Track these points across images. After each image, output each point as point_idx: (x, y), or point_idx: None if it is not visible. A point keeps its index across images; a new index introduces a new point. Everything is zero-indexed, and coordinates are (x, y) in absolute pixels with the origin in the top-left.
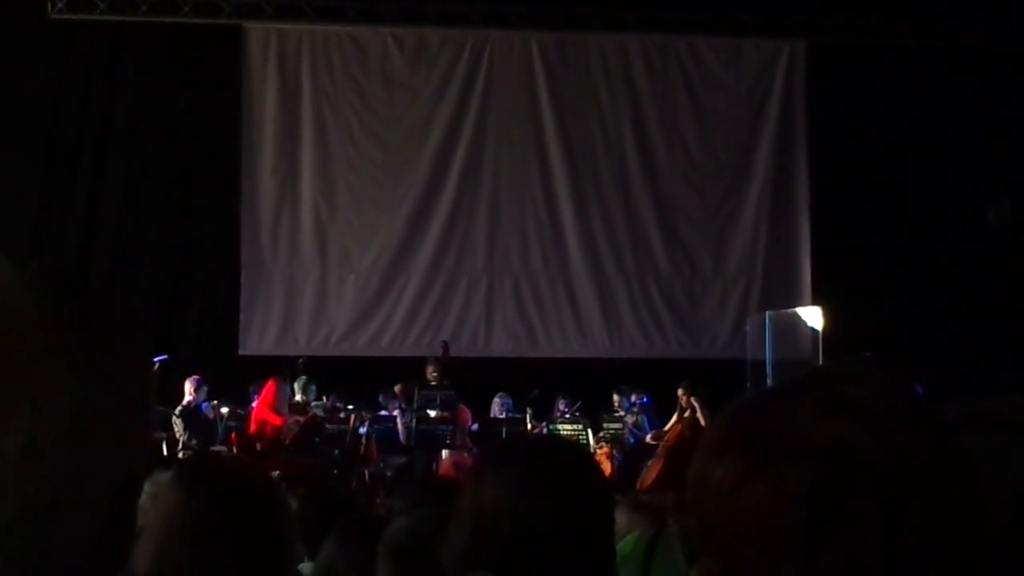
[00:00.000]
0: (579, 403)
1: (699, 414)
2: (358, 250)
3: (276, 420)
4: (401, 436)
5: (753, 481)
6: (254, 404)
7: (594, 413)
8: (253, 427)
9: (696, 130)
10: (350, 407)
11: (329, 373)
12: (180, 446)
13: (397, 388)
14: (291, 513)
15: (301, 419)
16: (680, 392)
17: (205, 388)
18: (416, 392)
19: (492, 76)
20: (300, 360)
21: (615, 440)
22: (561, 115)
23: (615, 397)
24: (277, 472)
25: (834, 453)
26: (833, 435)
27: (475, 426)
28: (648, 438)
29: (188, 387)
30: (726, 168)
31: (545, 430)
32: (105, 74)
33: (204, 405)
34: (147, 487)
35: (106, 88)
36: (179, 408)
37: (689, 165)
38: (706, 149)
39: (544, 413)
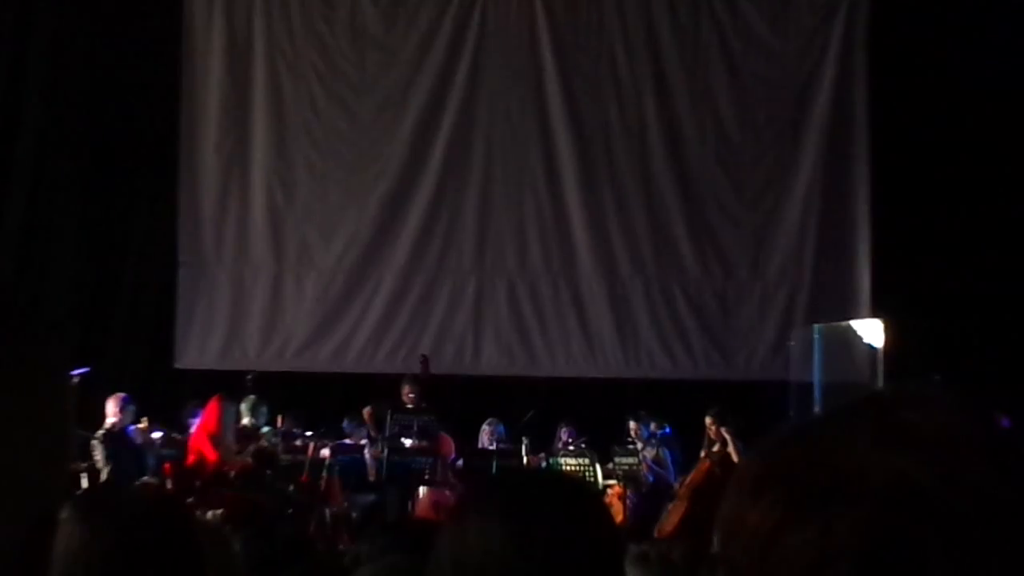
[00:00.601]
0: (583, 437)
1: (731, 448)
2: (320, 244)
3: (212, 455)
4: (370, 469)
5: (795, 527)
6: (193, 430)
7: (604, 445)
8: (192, 458)
9: (733, 102)
10: (308, 434)
11: (284, 392)
12: (102, 477)
13: (366, 412)
14: (232, 557)
15: (249, 460)
16: (708, 422)
17: (132, 408)
18: (388, 417)
19: (485, 32)
20: (249, 376)
21: (629, 477)
22: (568, 81)
23: (631, 425)
24: (220, 511)
25: (893, 494)
26: (892, 472)
27: (459, 460)
28: (675, 483)
29: (111, 407)
30: (769, 150)
31: (544, 464)
32: (12, 26)
33: (130, 429)
34: None
35: (14, 44)
36: (101, 432)
37: (724, 146)
38: (745, 126)
39: (543, 443)
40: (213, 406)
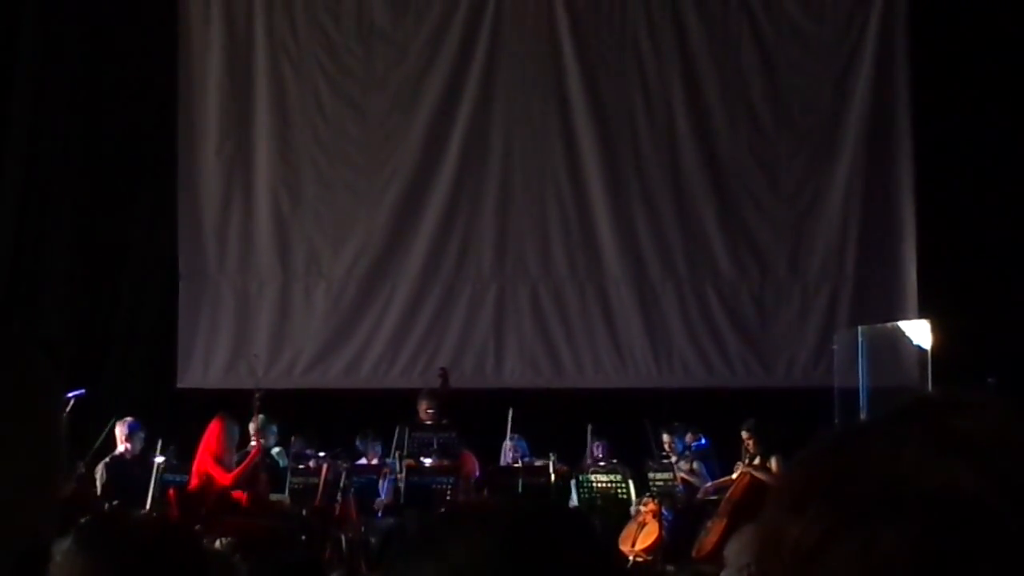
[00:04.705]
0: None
1: (771, 460)
2: (329, 252)
3: (224, 478)
4: (385, 491)
5: (839, 541)
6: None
7: (637, 459)
8: (195, 482)
9: (766, 92)
10: (321, 454)
11: (294, 410)
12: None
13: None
14: None
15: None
16: (744, 435)
17: (142, 434)
18: (407, 434)
19: (500, 22)
20: (257, 394)
21: (665, 494)
22: (590, 73)
23: (665, 438)
24: (229, 539)
25: (944, 504)
26: (943, 481)
27: (482, 477)
28: (701, 493)
29: (119, 433)
30: (806, 142)
31: (574, 481)
32: (1, 27)
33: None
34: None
35: (2, 45)
36: (108, 458)
37: (758, 138)
38: (779, 117)
39: (572, 459)
40: (215, 427)
